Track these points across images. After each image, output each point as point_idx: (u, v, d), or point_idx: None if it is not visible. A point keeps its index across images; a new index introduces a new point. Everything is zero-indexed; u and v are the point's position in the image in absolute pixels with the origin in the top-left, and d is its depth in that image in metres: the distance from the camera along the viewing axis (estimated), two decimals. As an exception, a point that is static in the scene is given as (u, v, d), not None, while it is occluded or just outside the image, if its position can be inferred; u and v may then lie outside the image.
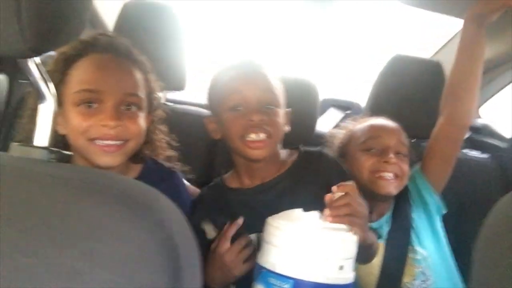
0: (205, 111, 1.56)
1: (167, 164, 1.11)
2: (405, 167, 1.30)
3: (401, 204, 1.35)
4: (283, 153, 1.17)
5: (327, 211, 0.86)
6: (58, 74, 0.92)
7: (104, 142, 0.90)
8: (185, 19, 1.47)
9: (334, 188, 0.90)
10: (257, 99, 1.06)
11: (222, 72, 1.14)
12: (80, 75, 0.93)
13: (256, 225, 0.96)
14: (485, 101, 1.82)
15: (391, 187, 1.27)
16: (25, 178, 0.46)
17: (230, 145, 1.09)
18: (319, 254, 0.80)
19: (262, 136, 1.04)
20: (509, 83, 1.68)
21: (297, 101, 1.37)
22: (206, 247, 1.04)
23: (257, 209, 1.05)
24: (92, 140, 0.90)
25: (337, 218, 0.85)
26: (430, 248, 1.33)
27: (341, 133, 1.44)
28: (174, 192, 1.06)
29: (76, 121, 0.90)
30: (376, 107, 1.52)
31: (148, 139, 1.04)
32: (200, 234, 1.07)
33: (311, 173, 1.11)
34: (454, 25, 1.69)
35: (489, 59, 1.56)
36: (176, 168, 1.12)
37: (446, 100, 1.31)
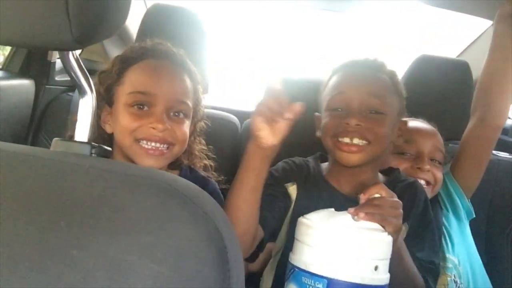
0: (226, 114, 1.56)
1: (202, 172, 1.12)
2: (439, 174, 1.26)
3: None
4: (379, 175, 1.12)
5: (359, 209, 0.83)
6: (114, 75, 0.97)
7: (150, 145, 0.93)
8: (208, 23, 1.47)
9: (361, 196, 0.88)
10: (360, 102, 1.01)
11: (336, 70, 1.10)
12: (136, 77, 0.97)
13: None
14: (513, 102, 1.78)
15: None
16: (69, 171, 0.46)
17: (324, 145, 1.06)
18: (354, 254, 0.78)
19: (356, 141, 0.99)
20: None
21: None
22: (283, 210, 1.03)
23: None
24: (138, 140, 0.94)
25: (368, 215, 0.82)
26: (461, 255, 1.29)
27: None
28: None
29: (126, 120, 0.94)
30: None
31: (188, 148, 1.06)
32: (277, 185, 1.05)
33: (404, 200, 0.99)
34: (452, 25, 1.66)
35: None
36: (211, 177, 1.13)
37: (477, 101, 1.28)
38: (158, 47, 1.02)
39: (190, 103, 1.00)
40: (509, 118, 1.83)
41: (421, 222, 1.06)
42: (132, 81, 0.96)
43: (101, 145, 0.54)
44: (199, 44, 1.44)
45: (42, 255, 0.39)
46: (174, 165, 1.06)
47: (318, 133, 1.10)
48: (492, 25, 1.59)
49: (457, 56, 1.81)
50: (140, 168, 0.50)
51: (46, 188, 0.44)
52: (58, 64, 1.60)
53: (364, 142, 0.99)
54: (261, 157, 0.89)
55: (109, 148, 0.55)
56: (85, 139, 0.55)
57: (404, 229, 1.02)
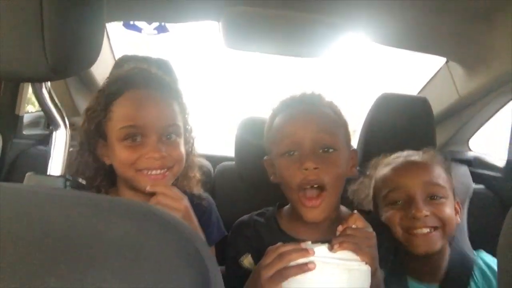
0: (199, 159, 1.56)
1: (203, 196, 1.14)
2: (446, 211, 1.06)
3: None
4: (342, 208, 1.09)
5: (333, 241, 0.85)
6: (101, 111, 0.98)
7: (152, 172, 0.97)
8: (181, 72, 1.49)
9: (339, 227, 0.90)
10: (311, 141, 0.98)
11: (277, 110, 1.09)
12: (122, 112, 0.98)
13: None
14: (473, 134, 1.87)
15: (431, 244, 1.04)
16: (43, 200, 0.45)
17: (286, 194, 1.03)
18: (331, 283, 0.79)
19: (316, 192, 0.97)
20: (494, 114, 1.74)
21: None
22: (241, 280, 0.94)
23: None
24: (140, 170, 0.96)
25: (342, 245, 0.84)
26: None
27: (365, 185, 1.23)
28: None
29: (124, 155, 0.96)
30: (368, 144, 1.54)
31: (184, 171, 1.07)
32: (236, 266, 1.03)
33: None
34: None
35: (472, 92, 1.62)
36: (210, 201, 1.16)
37: None
38: (137, 76, 1.02)
39: (179, 123, 1.03)
40: (470, 150, 1.92)
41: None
42: (120, 116, 0.97)
43: (75, 178, 0.53)
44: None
45: (17, 286, 0.38)
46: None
47: (273, 178, 1.08)
48: (446, 62, 1.71)
49: (418, 93, 1.89)
50: (115, 197, 0.50)
51: (19, 218, 0.43)
52: (26, 118, 1.59)
53: (321, 189, 0.98)
54: None
55: (83, 182, 0.54)
56: (59, 173, 0.55)
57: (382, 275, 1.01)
